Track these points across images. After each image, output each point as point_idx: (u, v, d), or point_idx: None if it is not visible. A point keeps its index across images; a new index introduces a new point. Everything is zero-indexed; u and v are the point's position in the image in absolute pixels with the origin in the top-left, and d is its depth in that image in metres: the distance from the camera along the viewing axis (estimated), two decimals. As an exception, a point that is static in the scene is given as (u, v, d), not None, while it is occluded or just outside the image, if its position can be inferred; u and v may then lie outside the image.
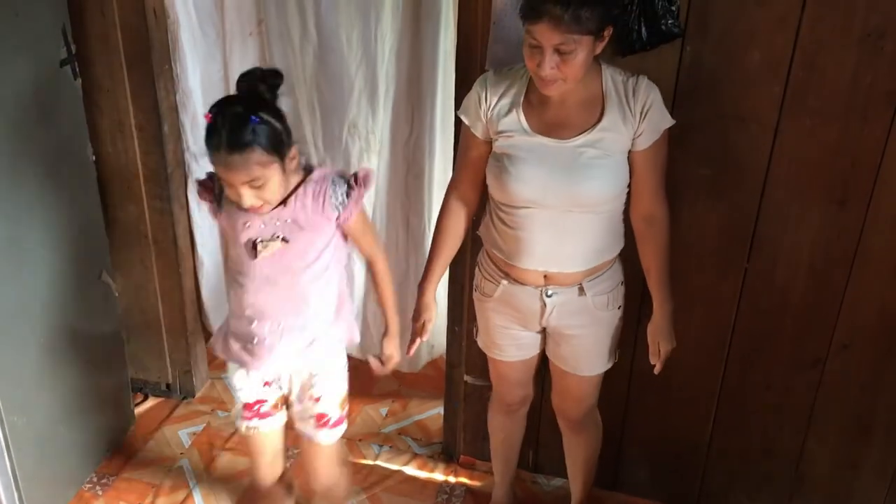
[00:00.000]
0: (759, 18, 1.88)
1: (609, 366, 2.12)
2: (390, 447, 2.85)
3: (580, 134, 1.81)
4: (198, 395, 3.06)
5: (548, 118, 1.84)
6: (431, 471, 2.75)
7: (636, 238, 1.97)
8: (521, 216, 1.88)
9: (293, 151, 1.79)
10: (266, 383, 2.04)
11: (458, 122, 1.99)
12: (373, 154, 2.73)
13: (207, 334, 3.09)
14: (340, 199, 1.83)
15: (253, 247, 1.85)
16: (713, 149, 2.04)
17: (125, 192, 2.68)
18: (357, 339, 2.07)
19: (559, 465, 2.49)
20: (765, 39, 1.90)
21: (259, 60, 2.69)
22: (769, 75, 1.93)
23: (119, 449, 2.80)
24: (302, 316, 1.93)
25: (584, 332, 2.03)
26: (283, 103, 2.67)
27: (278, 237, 1.84)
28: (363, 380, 3.14)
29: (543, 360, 2.18)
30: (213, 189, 1.92)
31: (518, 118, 1.85)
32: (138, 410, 2.95)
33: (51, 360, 2.41)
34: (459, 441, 2.73)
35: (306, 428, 2.07)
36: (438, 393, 2.86)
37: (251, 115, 1.70)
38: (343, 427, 2.10)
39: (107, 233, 2.64)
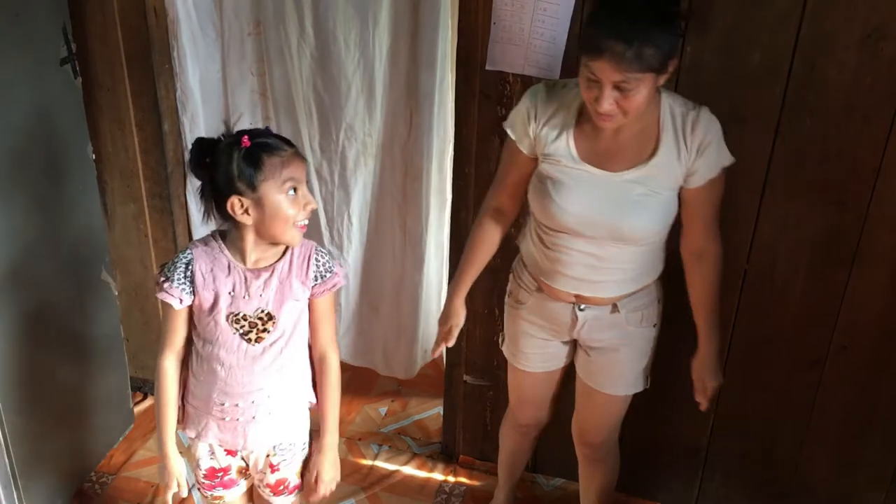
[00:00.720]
0: (760, 19, 1.88)
1: (639, 389, 2.06)
2: (389, 447, 2.85)
3: (631, 168, 1.74)
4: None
5: (599, 148, 1.76)
6: (430, 470, 2.75)
7: (685, 270, 1.91)
8: (560, 240, 1.83)
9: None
10: (229, 452, 1.93)
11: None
12: (370, 157, 2.72)
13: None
14: (322, 269, 1.81)
15: (238, 330, 1.78)
16: (713, 149, 2.03)
17: (125, 190, 2.68)
18: (314, 399, 1.94)
19: (559, 465, 2.49)
20: (765, 40, 1.90)
21: (257, 62, 2.69)
22: (769, 76, 1.93)
23: (118, 448, 2.79)
24: (276, 391, 1.85)
25: (616, 346, 1.97)
26: (281, 103, 2.70)
27: (264, 312, 1.78)
28: (362, 379, 3.16)
29: (565, 384, 2.16)
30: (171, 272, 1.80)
31: (568, 144, 1.77)
32: (137, 409, 2.95)
33: (50, 359, 2.41)
34: (459, 441, 2.73)
35: (263, 491, 1.98)
36: (438, 393, 2.86)
37: None
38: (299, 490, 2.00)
39: (106, 231, 2.64)
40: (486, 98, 2.16)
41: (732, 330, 2.23)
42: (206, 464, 1.94)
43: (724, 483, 2.48)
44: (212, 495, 1.99)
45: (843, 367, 2.19)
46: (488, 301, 2.40)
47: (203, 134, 2.72)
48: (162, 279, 1.80)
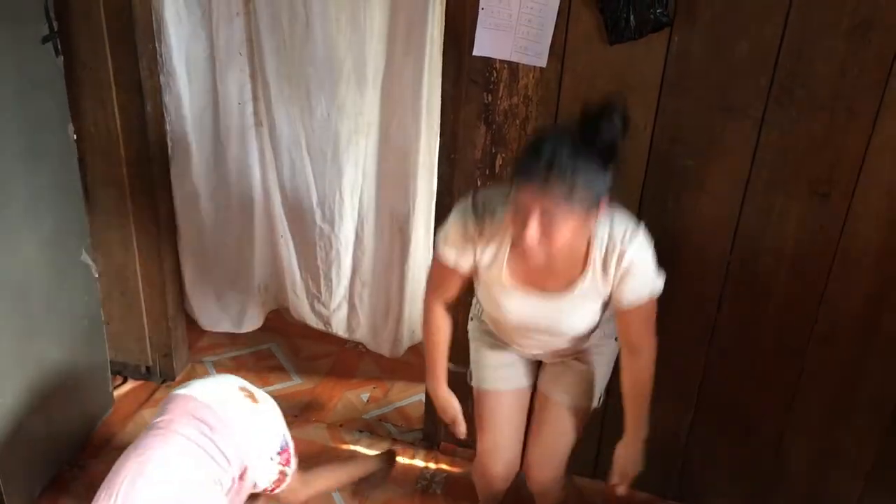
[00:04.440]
0: (748, 8, 1.88)
1: (592, 405, 2.08)
2: (371, 433, 2.85)
3: (564, 289, 1.81)
4: (178, 378, 3.04)
5: (531, 271, 1.79)
6: (412, 457, 2.76)
7: (621, 357, 1.94)
8: (508, 324, 1.94)
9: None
10: None
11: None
12: (361, 136, 2.71)
13: (189, 318, 3.07)
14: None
15: None
16: (699, 138, 2.04)
17: (107, 172, 2.65)
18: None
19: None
20: (753, 30, 1.90)
21: (246, 41, 2.67)
22: (756, 66, 1.93)
23: (98, 432, 2.77)
24: None
25: (581, 358, 2.05)
26: (272, 82, 2.68)
27: None
28: (345, 365, 3.16)
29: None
30: None
31: (502, 273, 1.81)
32: (117, 393, 2.93)
33: (29, 341, 2.38)
34: (440, 428, 2.73)
35: None
36: (420, 379, 2.84)
37: None
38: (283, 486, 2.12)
39: (87, 213, 2.62)
40: (473, 84, 2.15)
41: (714, 320, 2.24)
42: None
43: (704, 471, 2.50)
44: None
45: (825, 358, 2.20)
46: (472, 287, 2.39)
47: (188, 116, 2.72)
48: None
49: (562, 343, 1.95)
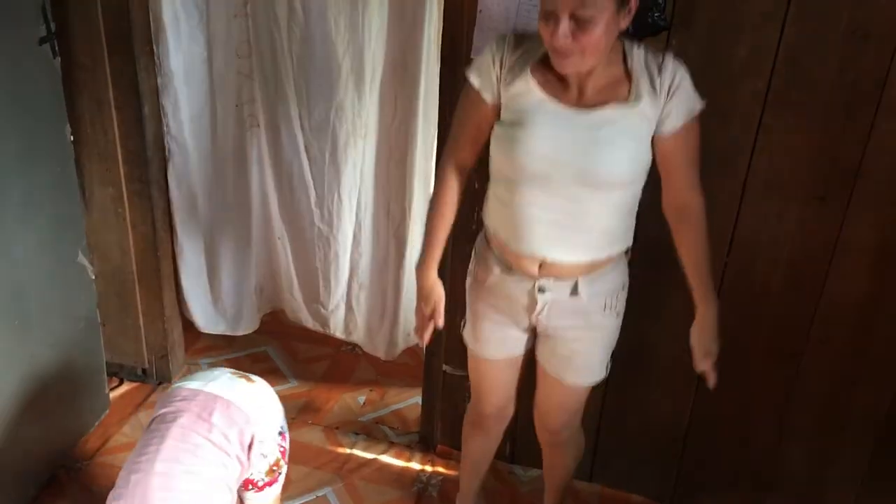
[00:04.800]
0: (745, 13, 1.89)
1: (598, 379, 2.01)
2: (367, 436, 2.84)
3: (604, 106, 1.67)
4: (174, 379, 3.04)
5: (566, 87, 1.69)
6: (408, 460, 2.75)
7: (673, 233, 1.84)
8: (524, 195, 1.73)
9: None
10: None
11: (461, 86, 1.84)
12: (359, 138, 2.72)
13: (185, 320, 3.07)
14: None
15: None
16: (696, 142, 2.04)
17: (104, 173, 2.65)
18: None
19: (536, 456, 2.49)
20: (750, 34, 1.91)
21: (244, 43, 2.67)
22: (753, 70, 1.93)
23: (93, 433, 2.77)
24: None
25: (577, 335, 1.91)
26: (270, 84, 2.68)
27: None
28: (341, 368, 3.15)
29: (527, 368, 2.13)
30: None
31: (527, 82, 1.69)
32: (113, 395, 2.92)
33: (25, 342, 2.38)
34: (437, 431, 2.73)
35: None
36: (416, 382, 2.85)
37: None
38: (274, 488, 2.10)
39: (84, 215, 2.61)
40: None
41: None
42: None
43: (699, 474, 2.50)
44: None
45: (821, 362, 2.21)
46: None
47: (185, 117, 2.71)
48: None
49: (574, 229, 1.75)
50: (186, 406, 1.95)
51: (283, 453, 2.08)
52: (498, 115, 1.78)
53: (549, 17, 1.56)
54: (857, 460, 2.31)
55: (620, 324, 1.96)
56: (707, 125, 1.99)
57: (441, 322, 1.99)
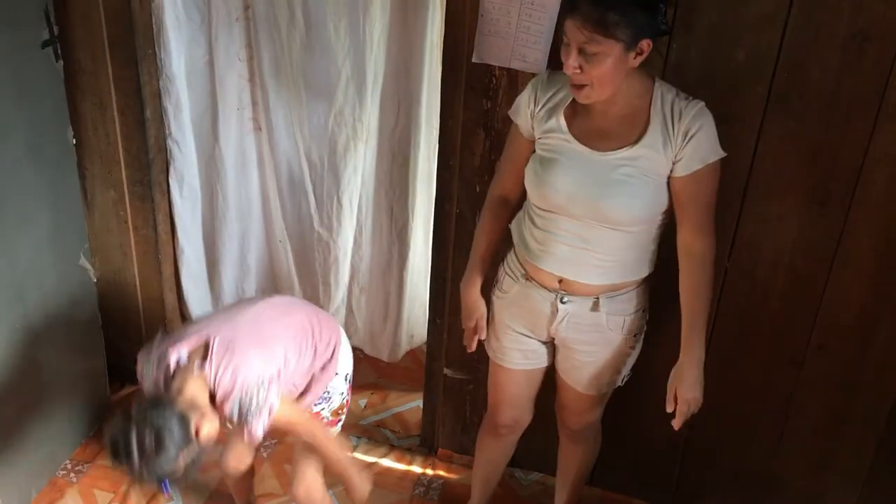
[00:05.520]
0: (746, 17, 1.89)
1: (614, 387, 2.08)
2: (368, 439, 2.84)
3: (619, 149, 1.76)
4: (175, 383, 3.04)
5: (590, 127, 1.79)
6: (409, 463, 2.75)
7: (679, 268, 1.88)
8: (550, 220, 1.85)
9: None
10: None
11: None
12: (359, 143, 2.72)
13: (186, 322, 3.07)
14: (242, 415, 1.84)
15: None
16: (697, 147, 2.04)
17: (105, 176, 2.66)
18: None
19: (537, 459, 2.49)
20: (750, 39, 1.90)
21: (245, 47, 2.67)
22: (754, 75, 1.93)
23: (94, 436, 2.77)
24: None
25: (592, 349, 1.98)
26: (271, 88, 2.69)
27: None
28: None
29: (545, 385, 2.16)
30: None
31: (559, 122, 1.81)
32: (115, 397, 2.92)
33: (26, 345, 2.38)
34: (437, 434, 2.73)
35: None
36: (417, 386, 2.85)
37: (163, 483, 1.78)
38: (335, 429, 2.18)
39: (86, 217, 2.62)
40: (471, 90, 2.16)
41: (711, 328, 2.24)
42: None
43: (700, 479, 2.50)
44: None
45: (821, 367, 2.20)
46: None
47: (188, 120, 2.72)
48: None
49: (591, 255, 1.83)
50: (288, 297, 2.14)
51: (347, 403, 2.18)
52: (534, 149, 1.90)
53: (566, 47, 1.68)
54: (859, 464, 2.30)
55: (638, 348, 2.02)
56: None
57: (484, 335, 2.09)
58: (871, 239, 2.02)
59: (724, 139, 2.00)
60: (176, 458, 1.72)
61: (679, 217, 1.83)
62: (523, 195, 1.97)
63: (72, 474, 2.62)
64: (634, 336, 1.98)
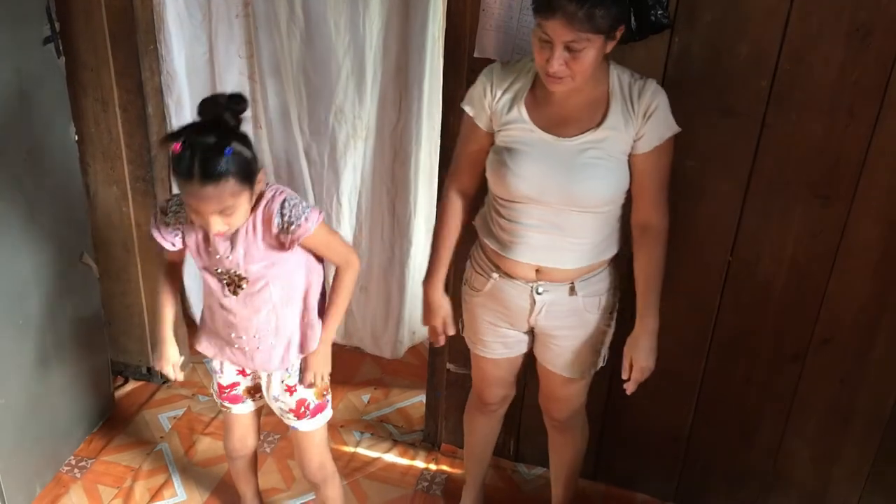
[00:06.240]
0: (748, 11, 1.88)
1: (595, 370, 2.09)
2: (371, 434, 2.85)
3: (583, 133, 1.79)
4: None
5: (551, 114, 1.81)
6: (412, 458, 2.76)
7: (633, 246, 1.94)
8: (519, 210, 1.86)
9: (260, 176, 1.78)
10: (241, 372, 2.11)
11: (460, 113, 1.95)
12: (359, 140, 2.71)
13: (189, 319, 3.07)
14: (287, 220, 1.81)
15: (219, 281, 1.92)
16: (699, 141, 2.03)
17: (108, 173, 2.66)
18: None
19: (540, 454, 2.49)
20: (753, 32, 1.90)
21: (245, 44, 2.67)
22: (757, 68, 1.93)
23: (98, 432, 2.78)
24: (276, 332, 1.98)
25: (572, 333, 2.00)
26: (270, 85, 2.69)
27: (237, 274, 1.88)
28: (345, 366, 3.15)
29: (529, 358, 2.16)
30: (168, 212, 1.92)
31: (520, 112, 1.82)
32: (118, 394, 2.93)
33: (30, 342, 2.39)
34: (441, 429, 2.73)
35: (289, 420, 2.10)
36: (420, 381, 2.86)
37: (225, 147, 1.67)
38: (325, 414, 2.11)
39: (88, 214, 2.62)
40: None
41: (714, 323, 2.24)
42: (216, 378, 2.13)
43: (703, 474, 2.50)
44: (221, 404, 2.18)
45: (824, 362, 2.20)
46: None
47: (189, 116, 2.72)
48: (156, 220, 1.92)
49: (566, 240, 1.86)
50: None
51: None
52: (493, 142, 1.89)
53: (545, 44, 1.67)
54: (861, 460, 2.30)
55: (614, 324, 2.03)
56: (710, 123, 2.00)
57: (452, 331, 2.11)
58: (875, 233, 2.02)
59: (727, 133, 2.01)
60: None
61: (636, 194, 1.87)
62: (481, 189, 1.98)
63: (76, 470, 2.63)
64: (610, 314, 2.01)
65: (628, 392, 1.99)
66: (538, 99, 1.82)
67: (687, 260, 2.18)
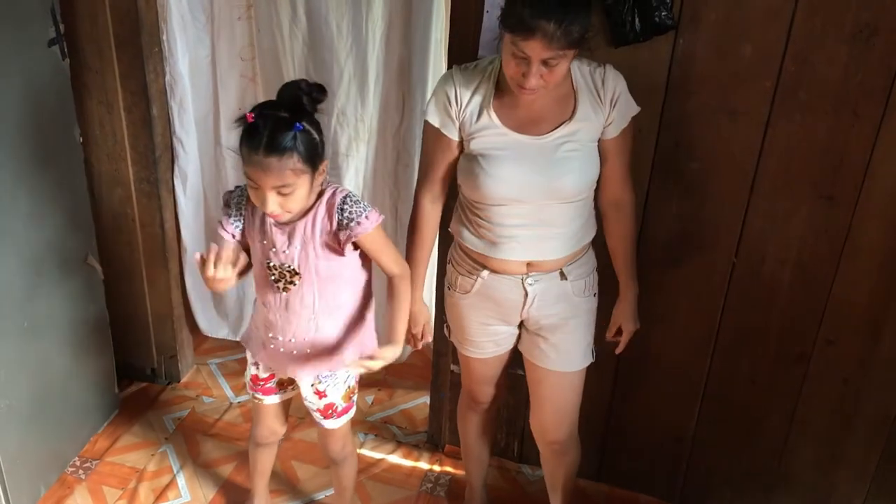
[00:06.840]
0: (752, 12, 1.88)
1: (586, 363, 2.07)
2: (375, 435, 2.85)
3: (557, 128, 1.81)
4: (183, 380, 3.05)
5: (521, 115, 1.82)
6: (416, 459, 2.76)
7: (604, 224, 1.99)
8: (500, 212, 1.87)
9: (324, 165, 1.81)
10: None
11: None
12: (361, 142, 2.71)
13: (192, 320, 3.08)
14: (348, 214, 1.84)
15: (270, 276, 1.94)
16: (704, 141, 2.04)
17: (112, 174, 2.67)
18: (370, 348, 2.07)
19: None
20: (757, 33, 1.90)
21: (247, 46, 2.67)
22: (761, 69, 1.93)
23: (103, 433, 2.78)
24: (312, 341, 2.01)
25: (563, 321, 2.00)
26: (272, 88, 2.69)
27: (291, 269, 1.90)
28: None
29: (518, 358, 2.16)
30: (231, 204, 1.97)
31: (491, 118, 1.82)
32: (123, 395, 2.94)
33: (35, 344, 2.39)
34: (444, 430, 2.74)
35: (315, 416, 2.15)
36: (424, 382, 2.86)
37: (295, 122, 1.73)
38: (350, 413, 2.17)
39: (93, 216, 2.62)
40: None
41: (719, 323, 2.24)
42: (251, 370, 2.17)
43: (707, 474, 2.49)
44: (252, 395, 2.21)
45: (829, 362, 2.20)
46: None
47: (191, 118, 2.72)
48: (223, 213, 1.97)
49: (553, 231, 1.88)
50: None
51: (357, 382, 2.16)
52: (462, 149, 1.90)
53: (521, 61, 1.69)
54: (867, 460, 2.30)
55: (596, 304, 2.06)
56: (715, 123, 2.01)
57: (430, 338, 2.17)
58: (879, 233, 2.01)
59: (732, 133, 2.00)
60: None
61: (606, 174, 1.91)
62: (450, 196, 2.00)
63: (80, 471, 2.63)
64: (594, 295, 2.05)
65: (618, 352, 2.10)
66: (505, 102, 1.82)
67: (692, 261, 2.18)
